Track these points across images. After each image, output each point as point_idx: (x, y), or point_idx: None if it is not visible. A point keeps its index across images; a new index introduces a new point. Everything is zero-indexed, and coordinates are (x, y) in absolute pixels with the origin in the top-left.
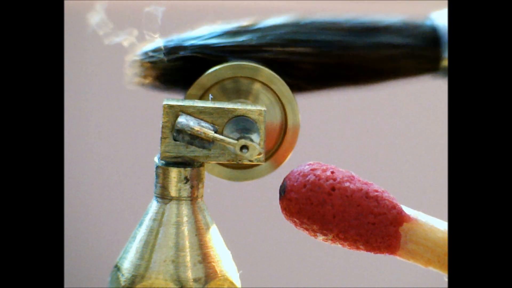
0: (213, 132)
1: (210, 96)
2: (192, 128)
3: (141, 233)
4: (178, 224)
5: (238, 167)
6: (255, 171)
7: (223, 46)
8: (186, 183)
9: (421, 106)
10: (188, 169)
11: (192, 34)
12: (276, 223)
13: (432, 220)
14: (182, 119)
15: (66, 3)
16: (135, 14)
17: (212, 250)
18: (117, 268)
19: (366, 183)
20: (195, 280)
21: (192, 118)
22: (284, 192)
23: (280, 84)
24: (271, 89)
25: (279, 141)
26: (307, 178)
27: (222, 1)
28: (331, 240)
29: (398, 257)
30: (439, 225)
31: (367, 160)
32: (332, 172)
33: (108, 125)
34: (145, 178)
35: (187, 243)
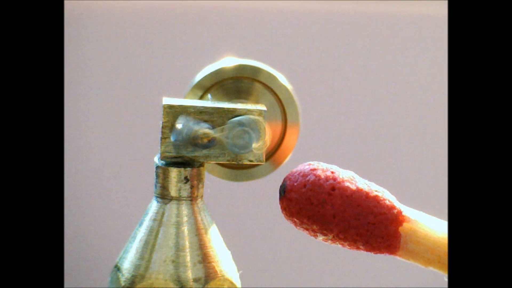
0: (212, 132)
1: (209, 96)
2: (192, 129)
3: (141, 233)
4: (178, 224)
5: (238, 167)
6: (255, 171)
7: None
8: (186, 183)
9: (421, 106)
10: (188, 169)
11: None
12: (276, 223)
13: (432, 220)
14: (182, 120)
15: (66, 3)
16: (136, 14)
17: (212, 250)
18: (117, 268)
19: (366, 183)
20: (195, 280)
21: (192, 118)
22: (284, 192)
23: (280, 84)
24: (271, 89)
25: (279, 141)
26: (307, 178)
27: (223, 1)
28: (331, 240)
29: (398, 257)
30: (439, 225)
31: (367, 160)
32: (332, 172)
33: (108, 125)
34: (145, 178)
35: (187, 243)
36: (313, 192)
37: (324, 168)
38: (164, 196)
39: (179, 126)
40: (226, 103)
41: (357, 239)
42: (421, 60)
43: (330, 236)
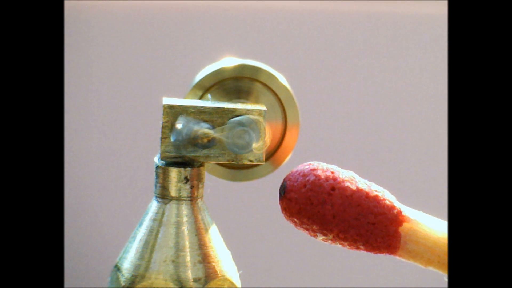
0: (212, 132)
1: (209, 96)
2: (192, 129)
3: (141, 233)
4: (178, 224)
5: (238, 167)
6: (255, 171)
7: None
8: (186, 183)
9: (421, 106)
10: (188, 169)
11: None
12: (276, 223)
13: (432, 220)
14: (182, 120)
15: (66, 3)
16: (136, 14)
17: (212, 250)
18: (117, 268)
19: (366, 183)
20: (195, 280)
21: (192, 118)
22: (284, 192)
23: (280, 84)
24: (271, 89)
25: (279, 141)
26: (307, 178)
27: (223, 1)
28: (331, 240)
29: (398, 257)
30: (439, 225)
31: (367, 160)
32: (332, 172)
33: (108, 125)
34: (145, 178)
35: (187, 243)
36: (313, 192)
37: (324, 168)
38: (164, 196)
39: (179, 126)
40: (226, 103)
41: (357, 239)
42: (421, 60)
43: (330, 236)
